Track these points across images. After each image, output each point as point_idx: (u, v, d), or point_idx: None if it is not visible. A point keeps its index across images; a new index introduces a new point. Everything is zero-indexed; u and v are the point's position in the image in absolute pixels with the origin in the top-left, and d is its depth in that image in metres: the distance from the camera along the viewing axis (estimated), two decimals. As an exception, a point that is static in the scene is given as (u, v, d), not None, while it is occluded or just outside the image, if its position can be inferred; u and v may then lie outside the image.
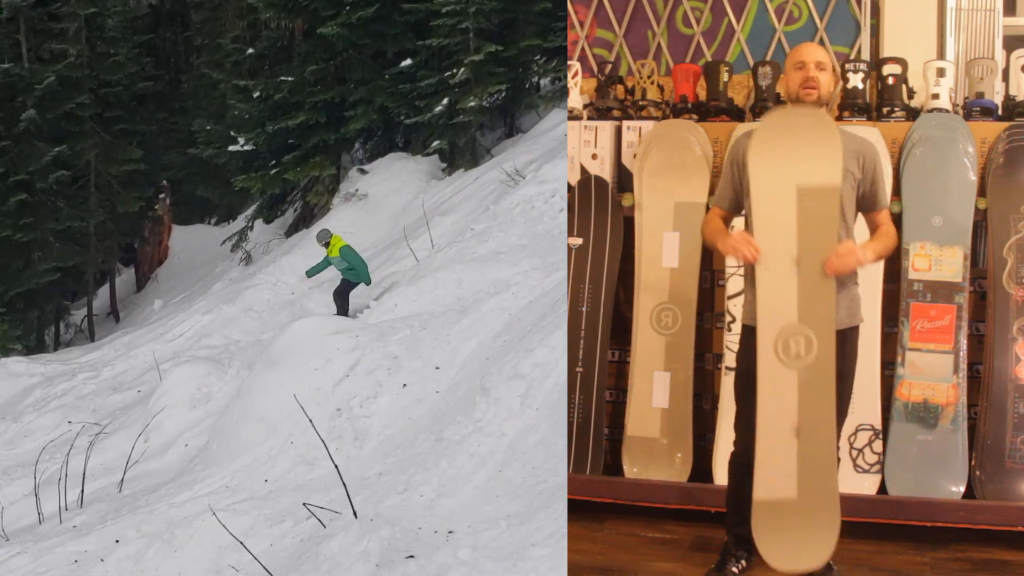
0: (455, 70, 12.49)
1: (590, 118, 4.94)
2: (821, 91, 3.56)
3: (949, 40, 4.90)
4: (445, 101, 12.63)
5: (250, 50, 14.57)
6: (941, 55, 4.84)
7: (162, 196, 18.74)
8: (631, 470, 4.58)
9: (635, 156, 4.77)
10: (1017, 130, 4.40)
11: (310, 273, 10.39)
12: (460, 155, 13.10)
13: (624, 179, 4.84)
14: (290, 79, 13.38)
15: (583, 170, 4.86)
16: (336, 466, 4.74)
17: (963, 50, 4.90)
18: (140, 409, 8.47)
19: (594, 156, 4.85)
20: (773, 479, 3.49)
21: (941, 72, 4.53)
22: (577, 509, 4.22)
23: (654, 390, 4.58)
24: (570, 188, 4.89)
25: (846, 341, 3.61)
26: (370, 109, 13.21)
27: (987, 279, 4.40)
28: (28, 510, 6.80)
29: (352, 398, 5.97)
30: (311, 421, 5.40)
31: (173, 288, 16.07)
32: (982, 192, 4.40)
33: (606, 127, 4.85)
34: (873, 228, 3.67)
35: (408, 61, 13.23)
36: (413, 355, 6.26)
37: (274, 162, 13.85)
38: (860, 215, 3.68)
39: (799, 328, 3.44)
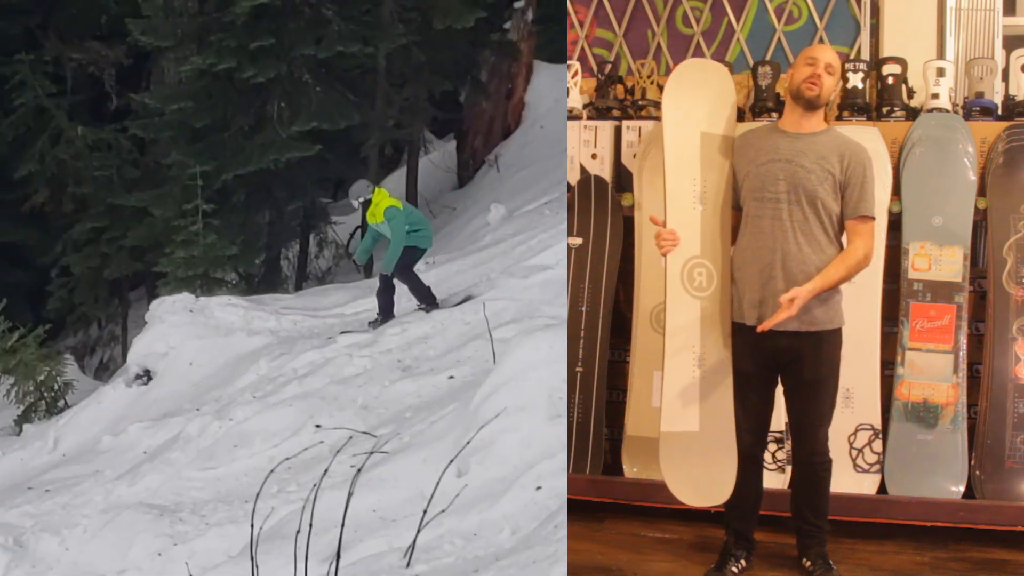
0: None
1: (590, 118, 4.93)
2: (823, 91, 3.57)
3: (949, 40, 4.90)
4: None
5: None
6: (941, 55, 4.84)
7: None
8: (631, 470, 4.58)
9: (635, 156, 4.77)
10: (1017, 130, 4.40)
11: (362, 257, 7.23)
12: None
13: (624, 179, 4.84)
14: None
15: (583, 170, 4.86)
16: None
17: (963, 50, 4.90)
18: (454, 412, 4.66)
19: (594, 156, 4.85)
20: (678, 412, 3.65)
21: (941, 72, 4.53)
22: (577, 509, 4.20)
23: (654, 390, 4.58)
24: (569, 188, 4.89)
25: (824, 344, 3.59)
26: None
27: (987, 279, 4.40)
28: (236, 582, 3.70)
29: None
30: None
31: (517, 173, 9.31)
32: (982, 192, 4.39)
33: (606, 127, 4.85)
34: (849, 238, 3.60)
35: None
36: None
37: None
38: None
39: (701, 260, 3.67)
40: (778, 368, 3.66)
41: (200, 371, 6.46)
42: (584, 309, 4.77)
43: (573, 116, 4.94)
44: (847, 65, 4.63)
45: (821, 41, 5.04)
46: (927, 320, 4.33)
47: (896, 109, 4.56)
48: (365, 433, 4.79)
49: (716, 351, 3.67)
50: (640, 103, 4.96)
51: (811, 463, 3.73)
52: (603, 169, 4.84)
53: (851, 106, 4.58)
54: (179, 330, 6.70)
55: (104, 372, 9.47)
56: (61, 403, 7.40)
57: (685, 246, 3.65)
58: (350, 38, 7.92)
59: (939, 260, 4.35)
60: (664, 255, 3.65)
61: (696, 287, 3.66)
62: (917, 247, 4.37)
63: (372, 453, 4.20)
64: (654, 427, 4.55)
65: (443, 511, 3.65)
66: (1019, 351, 4.30)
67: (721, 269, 3.68)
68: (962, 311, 4.32)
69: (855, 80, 4.58)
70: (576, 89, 5.02)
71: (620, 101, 4.98)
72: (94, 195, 9.47)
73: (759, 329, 3.51)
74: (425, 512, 3.59)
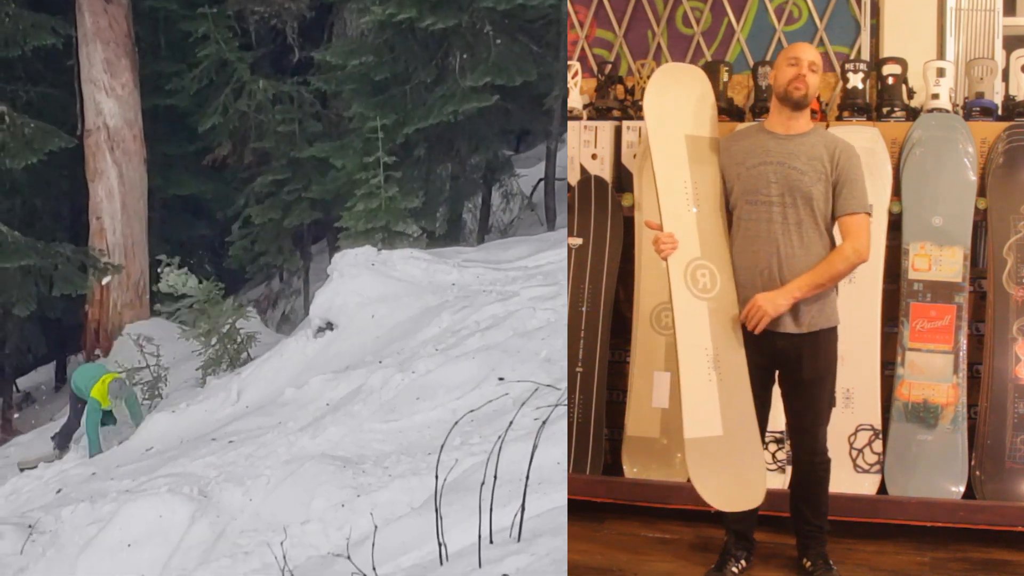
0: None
1: (590, 118, 4.94)
2: (808, 91, 3.58)
3: (949, 40, 4.90)
4: None
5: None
6: (941, 55, 4.84)
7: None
8: (631, 470, 4.58)
9: (635, 156, 4.77)
10: (1017, 130, 4.40)
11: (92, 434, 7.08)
12: None
13: (624, 179, 4.84)
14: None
15: (583, 170, 4.87)
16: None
17: (963, 50, 4.89)
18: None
19: (594, 156, 4.85)
20: (700, 417, 3.58)
21: (941, 72, 4.53)
22: (577, 509, 4.20)
23: (654, 390, 4.58)
24: (570, 188, 4.89)
25: (821, 343, 3.60)
26: None
27: (987, 279, 4.40)
28: (422, 534, 3.63)
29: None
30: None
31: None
32: (982, 192, 4.39)
33: (606, 127, 4.85)
34: (842, 236, 3.59)
35: None
36: None
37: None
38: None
39: (702, 262, 3.65)
40: (775, 369, 3.66)
41: (382, 324, 6.33)
42: (584, 309, 4.77)
43: (573, 116, 4.94)
44: (847, 65, 4.63)
45: (821, 42, 5.04)
46: (927, 320, 4.33)
47: (896, 109, 4.56)
48: (549, 386, 4.45)
49: (731, 352, 3.60)
50: (640, 103, 4.95)
51: (811, 463, 3.73)
52: (603, 169, 4.84)
53: (851, 106, 4.58)
54: (361, 283, 6.56)
55: (286, 325, 9.35)
56: (244, 355, 7.31)
57: (685, 248, 3.63)
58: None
59: (939, 260, 4.35)
60: (664, 259, 3.63)
61: (701, 288, 3.62)
62: (917, 247, 4.37)
63: (556, 406, 3.93)
64: (654, 427, 4.58)
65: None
66: (1019, 351, 4.30)
67: (725, 269, 3.65)
68: (962, 311, 4.32)
69: (855, 80, 4.58)
70: (576, 89, 5.02)
71: (620, 101, 4.98)
72: (276, 148, 9.33)
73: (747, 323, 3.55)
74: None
